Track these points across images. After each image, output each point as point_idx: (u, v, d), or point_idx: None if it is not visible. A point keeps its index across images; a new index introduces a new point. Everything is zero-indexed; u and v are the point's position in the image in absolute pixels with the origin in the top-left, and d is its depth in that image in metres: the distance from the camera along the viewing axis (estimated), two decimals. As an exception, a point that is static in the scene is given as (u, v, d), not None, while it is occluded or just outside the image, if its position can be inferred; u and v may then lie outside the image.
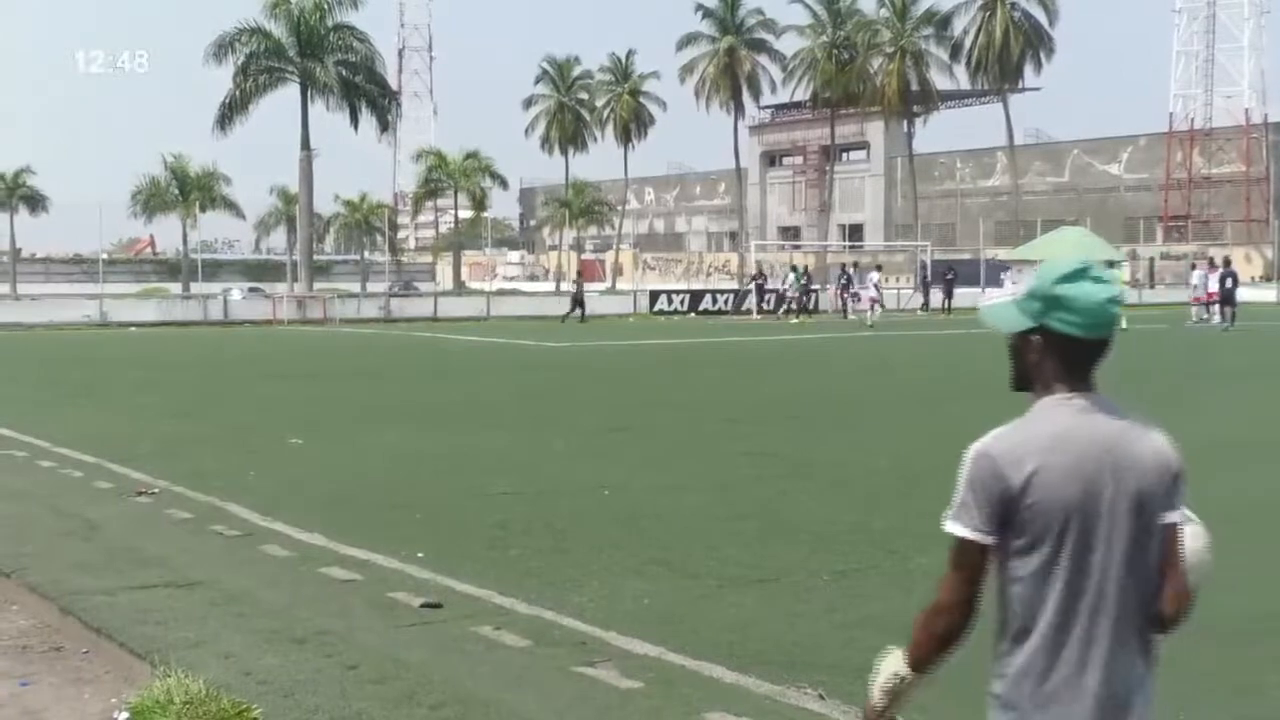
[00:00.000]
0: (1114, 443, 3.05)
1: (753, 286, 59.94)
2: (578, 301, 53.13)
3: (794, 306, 54.80)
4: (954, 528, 3.10)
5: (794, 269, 58.33)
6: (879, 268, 54.91)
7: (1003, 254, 65.93)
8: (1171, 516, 3.09)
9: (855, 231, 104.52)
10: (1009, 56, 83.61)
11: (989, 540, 3.05)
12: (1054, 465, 3.02)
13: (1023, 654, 3.07)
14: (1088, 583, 3.03)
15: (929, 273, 62.24)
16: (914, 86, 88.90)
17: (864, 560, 9.26)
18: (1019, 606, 3.07)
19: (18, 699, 6.54)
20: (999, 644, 3.13)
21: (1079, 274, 3.08)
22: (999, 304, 3.23)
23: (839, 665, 6.62)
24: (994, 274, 56.60)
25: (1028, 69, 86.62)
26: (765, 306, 56.82)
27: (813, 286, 59.17)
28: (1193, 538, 3.14)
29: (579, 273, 64.52)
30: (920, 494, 12.10)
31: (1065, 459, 3.02)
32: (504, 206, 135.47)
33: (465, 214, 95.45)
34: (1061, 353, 3.09)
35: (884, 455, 14.46)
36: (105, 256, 65.59)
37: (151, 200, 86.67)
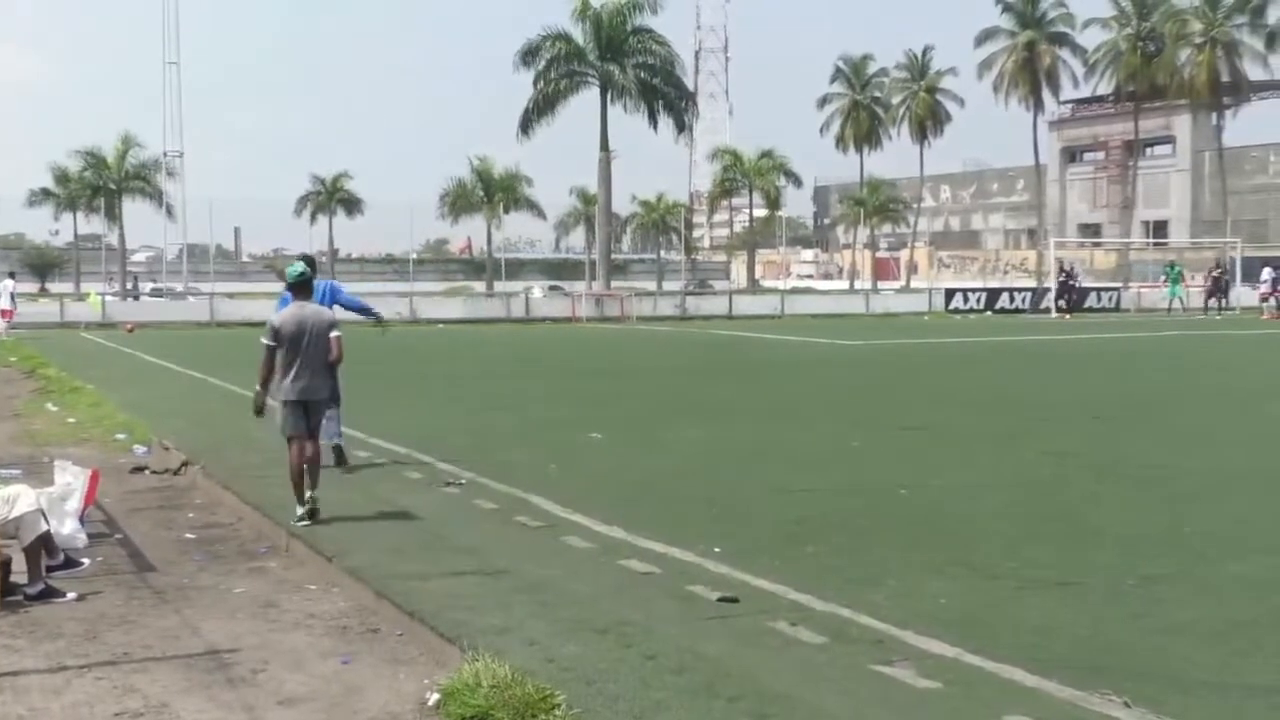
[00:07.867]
0: (306, 315, 10.79)
1: (1053, 285, 58.56)
2: (1067, 291, 56.69)
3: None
4: (263, 340, 10.72)
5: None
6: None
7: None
8: (331, 335, 10.80)
9: (1159, 228, 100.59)
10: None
11: (273, 344, 10.64)
12: (287, 322, 10.71)
13: (282, 380, 10.67)
14: (299, 356, 10.67)
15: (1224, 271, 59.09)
16: (1224, 78, 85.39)
17: (1173, 565, 8.91)
18: (280, 367, 10.67)
19: (340, 676, 6.87)
20: (277, 384, 10.75)
21: (293, 269, 11.05)
22: (288, 271, 11.19)
23: (1146, 672, 6.44)
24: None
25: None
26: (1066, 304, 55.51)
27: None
28: (337, 344, 10.87)
29: (1070, 265, 64.62)
30: (1234, 498, 11.65)
31: (292, 320, 10.72)
32: (798, 205, 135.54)
33: (760, 213, 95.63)
34: (293, 289, 11.07)
35: (1195, 457, 13.96)
36: (414, 256, 67.95)
37: (458, 202, 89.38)
